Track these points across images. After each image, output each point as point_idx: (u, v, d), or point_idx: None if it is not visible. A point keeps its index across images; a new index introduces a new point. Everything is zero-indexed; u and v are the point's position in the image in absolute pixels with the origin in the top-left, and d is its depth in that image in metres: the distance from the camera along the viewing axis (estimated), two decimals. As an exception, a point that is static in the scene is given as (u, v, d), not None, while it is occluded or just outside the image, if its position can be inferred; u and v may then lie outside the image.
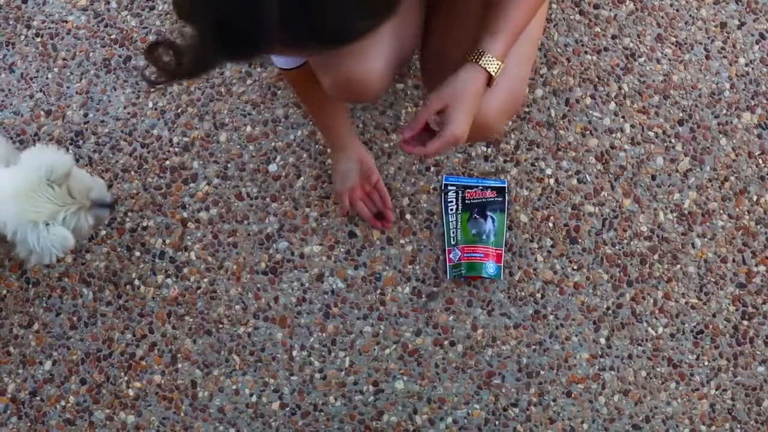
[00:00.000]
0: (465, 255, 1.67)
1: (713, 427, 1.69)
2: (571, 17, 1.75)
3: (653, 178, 1.72)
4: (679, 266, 1.71)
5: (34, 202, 1.39)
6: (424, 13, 1.44)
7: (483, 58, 1.20)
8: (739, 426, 1.69)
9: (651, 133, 1.73)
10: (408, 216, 1.72)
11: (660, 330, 1.70)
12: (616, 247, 1.71)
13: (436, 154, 1.26)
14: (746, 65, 1.74)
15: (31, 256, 1.43)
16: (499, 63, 1.21)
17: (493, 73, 1.21)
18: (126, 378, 1.71)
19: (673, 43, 1.74)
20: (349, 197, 1.67)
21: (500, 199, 1.69)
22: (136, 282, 1.72)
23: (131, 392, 1.70)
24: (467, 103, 1.21)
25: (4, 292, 1.72)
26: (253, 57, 0.99)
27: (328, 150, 1.72)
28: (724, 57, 1.74)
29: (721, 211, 1.72)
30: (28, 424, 1.71)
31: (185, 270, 1.72)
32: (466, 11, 1.26)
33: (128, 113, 1.74)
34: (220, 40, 0.87)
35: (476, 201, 1.69)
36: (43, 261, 1.43)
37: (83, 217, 1.46)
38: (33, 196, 1.39)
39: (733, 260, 1.71)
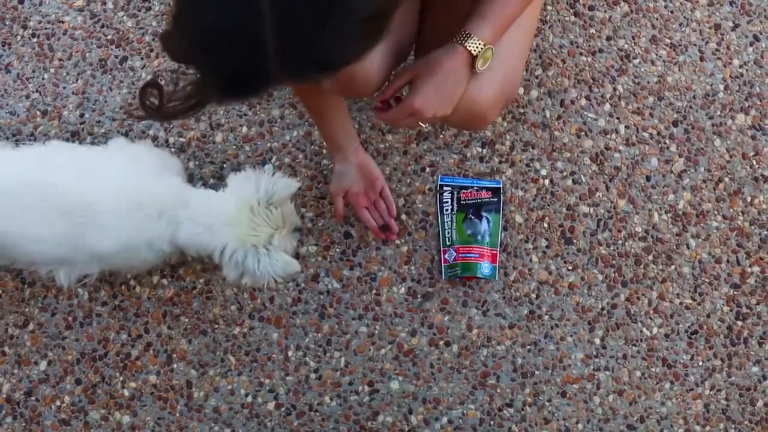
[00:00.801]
0: (460, 255, 1.68)
1: (708, 428, 1.70)
2: (566, 19, 1.76)
3: (648, 179, 1.73)
4: (673, 267, 1.71)
5: (254, 226, 1.39)
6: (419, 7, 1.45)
7: (467, 40, 1.19)
8: (733, 426, 1.70)
9: (645, 134, 1.73)
10: (403, 216, 1.72)
11: (654, 330, 1.70)
12: (611, 248, 1.71)
13: (396, 122, 1.29)
14: (740, 67, 1.75)
15: (243, 277, 1.43)
16: (483, 44, 1.20)
17: (474, 53, 1.20)
18: (121, 378, 1.71)
19: (667, 45, 1.75)
20: (353, 203, 1.66)
21: (495, 199, 1.70)
22: (132, 282, 1.72)
23: (126, 392, 1.70)
24: (437, 77, 1.21)
25: (0, 292, 1.72)
26: (256, 96, 0.99)
27: (324, 151, 1.72)
28: (719, 59, 1.75)
29: (716, 212, 1.72)
30: (23, 424, 1.70)
31: (181, 270, 1.72)
32: (460, 6, 1.27)
33: (124, 114, 1.75)
34: (220, 83, 0.88)
35: (471, 201, 1.70)
36: (259, 284, 1.43)
37: (289, 241, 1.47)
38: (253, 219, 1.39)
39: (728, 261, 1.72)
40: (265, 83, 0.89)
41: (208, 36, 0.84)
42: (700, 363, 1.70)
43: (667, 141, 1.73)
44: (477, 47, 1.20)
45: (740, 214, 1.72)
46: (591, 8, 1.76)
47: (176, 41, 0.89)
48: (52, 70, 1.76)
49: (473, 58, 1.21)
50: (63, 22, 1.78)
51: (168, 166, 1.58)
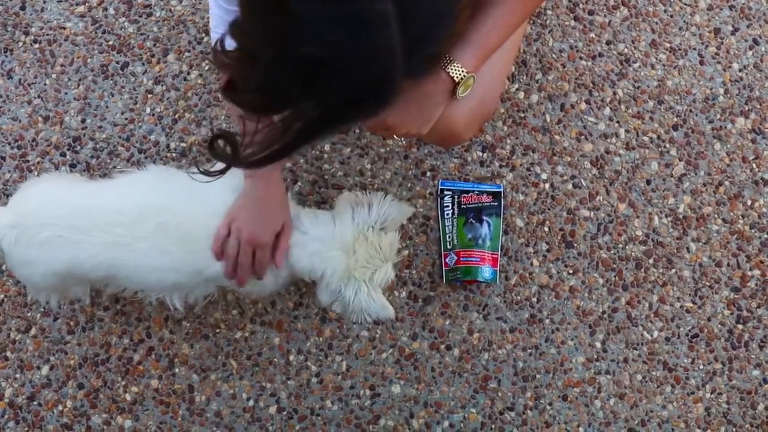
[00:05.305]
0: (461, 259, 1.68)
1: (709, 431, 1.70)
2: (566, 23, 1.76)
3: (648, 182, 1.73)
4: (674, 270, 1.72)
5: (368, 258, 1.32)
6: None
7: (450, 65, 1.18)
8: (734, 429, 1.70)
9: (646, 138, 1.74)
10: (404, 221, 1.72)
11: (655, 334, 1.71)
12: (612, 252, 1.72)
13: (369, 130, 1.35)
14: (740, 70, 1.75)
15: (334, 305, 1.38)
16: (465, 71, 1.19)
17: (456, 79, 1.19)
18: (123, 382, 1.71)
19: (667, 49, 1.76)
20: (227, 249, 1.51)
21: (496, 203, 1.70)
22: (134, 287, 1.72)
23: (128, 397, 1.71)
24: (414, 97, 1.20)
25: (2, 296, 1.72)
26: (383, 109, 0.90)
27: (325, 155, 1.73)
28: (718, 62, 1.76)
29: (716, 216, 1.73)
30: (26, 428, 1.71)
31: (182, 275, 1.72)
32: None
33: (126, 119, 1.75)
34: (343, 107, 0.83)
35: (472, 205, 1.70)
36: (351, 318, 1.36)
37: (391, 272, 1.40)
38: (368, 251, 1.33)
39: (728, 264, 1.72)
40: (393, 91, 0.84)
41: (328, 60, 0.78)
42: (701, 366, 1.71)
43: (667, 145, 1.74)
44: (459, 74, 1.19)
45: (740, 217, 1.73)
46: (591, 12, 1.76)
47: (261, 87, 0.83)
48: (54, 76, 1.77)
49: (454, 84, 1.20)
50: (65, 28, 1.78)
51: None
